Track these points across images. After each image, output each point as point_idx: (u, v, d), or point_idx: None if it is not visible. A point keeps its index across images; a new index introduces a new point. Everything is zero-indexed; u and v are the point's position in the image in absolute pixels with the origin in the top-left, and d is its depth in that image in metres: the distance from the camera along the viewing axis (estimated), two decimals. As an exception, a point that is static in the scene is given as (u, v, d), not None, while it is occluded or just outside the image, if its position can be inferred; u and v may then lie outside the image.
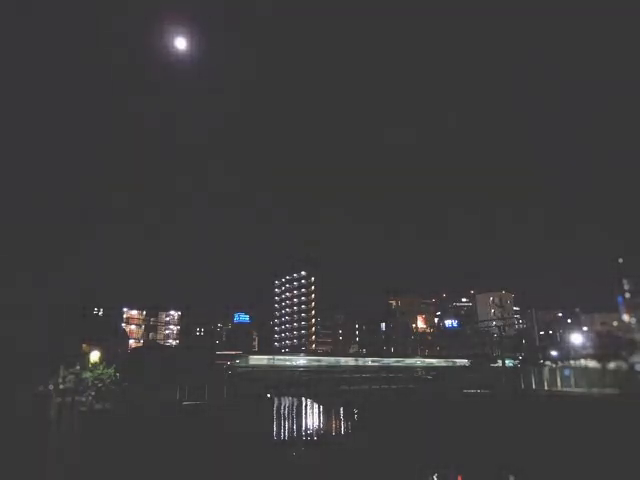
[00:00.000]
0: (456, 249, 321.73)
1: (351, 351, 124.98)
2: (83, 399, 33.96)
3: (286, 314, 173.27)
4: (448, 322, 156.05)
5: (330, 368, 61.18)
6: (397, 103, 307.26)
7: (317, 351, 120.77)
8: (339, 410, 65.50)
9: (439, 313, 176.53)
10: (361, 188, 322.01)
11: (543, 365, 51.37)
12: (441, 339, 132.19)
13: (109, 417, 32.89)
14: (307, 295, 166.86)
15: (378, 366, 64.02)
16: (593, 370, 41.36)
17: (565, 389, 41.36)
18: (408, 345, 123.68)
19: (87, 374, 35.38)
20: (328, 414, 63.46)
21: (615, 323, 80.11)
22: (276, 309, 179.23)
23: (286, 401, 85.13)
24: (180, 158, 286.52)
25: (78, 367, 35.60)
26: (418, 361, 69.48)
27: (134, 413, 33.80)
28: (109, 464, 25.61)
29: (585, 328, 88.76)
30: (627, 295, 68.93)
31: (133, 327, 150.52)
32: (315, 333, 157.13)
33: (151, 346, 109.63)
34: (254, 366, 53.95)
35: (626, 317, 69.64)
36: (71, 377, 34.67)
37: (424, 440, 36.53)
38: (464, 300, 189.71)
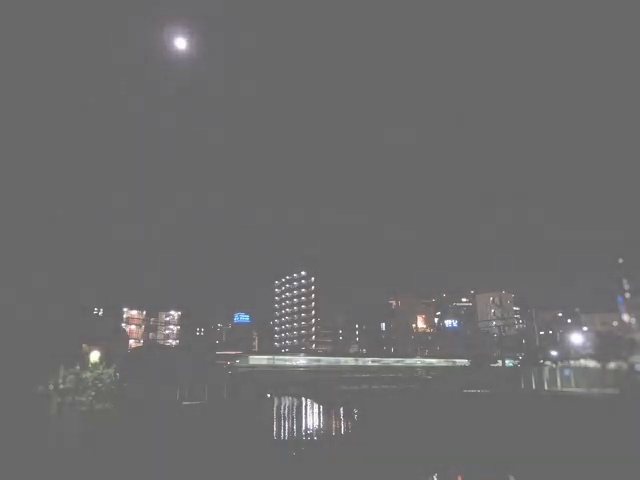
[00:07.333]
0: (456, 249, 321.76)
1: (351, 351, 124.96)
2: (83, 399, 33.99)
3: (286, 314, 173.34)
4: (448, 322, 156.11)
5: (330, 368, 61.24)
6: (397, 103, 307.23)
7: (317, 351, 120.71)
8: (339, 410, 65.47)
9: (439, 313, 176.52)
10: (361, 188, 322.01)
11: (543, 365, 51.42)
12: (441, 339, 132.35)
13: (109, 417, 32.90)
14: (307, 295, 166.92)
15: (378, 366, 64.10)
16: (593, 370, 41.44)
17: (565, 389, 41.42)
18: (408, 345, 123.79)
19: (87, 374, 35.42)
20: (328, 414, 63.42)
21: (615, 323, 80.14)
22: (276, 309, 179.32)
23: (286, 401, 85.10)
24: (180, 158, 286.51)
25: (78, 367, 35.65)
26: (418, 361, 69.58)
27: (134, 413, 33.83)
28: (109, 464, 25.61)
29: (585, 328, 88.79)
30: (627, 295, 68.91)
31: (133, 327, 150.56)
32: (315, 333, 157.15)
33: (151, 346, 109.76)
34: (254, 366, 54.02)
35: (626, 317, 69.66)
36: (71, 377, 34.74)
37: (424, 440, 36.53)
38: (464, 300, 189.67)
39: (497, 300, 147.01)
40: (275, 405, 72.77)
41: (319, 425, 53.78)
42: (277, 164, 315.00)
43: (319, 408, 70.47)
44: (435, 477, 26.88)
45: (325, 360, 65.10)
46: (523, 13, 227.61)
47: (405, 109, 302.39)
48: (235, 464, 27.84)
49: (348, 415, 60.41)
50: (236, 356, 55.26)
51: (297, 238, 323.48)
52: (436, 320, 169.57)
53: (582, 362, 46.46)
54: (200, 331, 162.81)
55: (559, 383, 43.13)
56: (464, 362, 68.03)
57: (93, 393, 34.62)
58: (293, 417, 61.43)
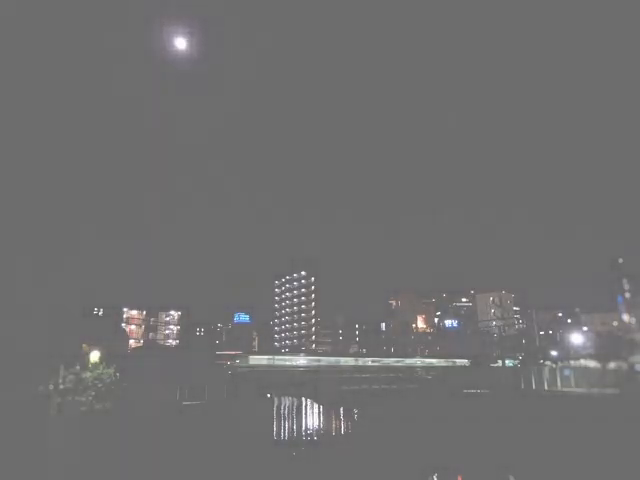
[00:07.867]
0: (456, 249, 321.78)
1: (351, 351, 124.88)
2: (83, 399, 33.96)
3: (286, 314, 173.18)
4: (448, 322, 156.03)
5: (330, 368, 61.18)
6: (396, 103, 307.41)
7: (317, 351, 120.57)
8: (339, 410, 65.44)
9: (439, 313, 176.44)
10: (361, 188, 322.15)
11: (543, 365, 51.43)
12: (441, 339, 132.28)
13: (109, 417, 32.88)
14: (307, 295, 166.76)
15: (378, 366, 64.05)
16: (593, 370, 41.45)
17: (565, 389, 41.43)
18: (408, 345, 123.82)
19: (87, 374, 35.38)
20: (328, 414, 63.39)
21: (615, 323, 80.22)
22: (276, 309, 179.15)
23: (286, 401, 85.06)
24: (180, 158, 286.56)
25: (78, 367, 35.60)
26: (418, 361, 69.51)
27: (134, 413, 33.79)
28: (109, 464, 25.61)
29: (585, 328, 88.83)
30: (627, 295, 69.03)
31: (133, 327, 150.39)
32: (315, 333, 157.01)
33: (151, 346, 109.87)
34: (254, 366, 53.99)
35: (626, 317, 69.75)
36: (71, 377, 34.69)
37: (424, 440, 36.52)
38: (464, 300, 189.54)
39: (497, 300, 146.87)
40: (275, 405, 72.73)
41: (319, 425, 53.75)
42: (278, 163, 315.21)
43: (319, 408, 70.44)
44: (435, 477, 26.89)
45: (325, 360, 65.02)
46: (523, 13, 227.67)
47: (405, 108, 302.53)
48: (235, 464, 27.85)
49: (348, 415, 60.37)
50: (236, 356, 55.18)
51: (297, 238, 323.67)
52: (436, 320, 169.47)
53: (582, 362, 46.46)
54: (200, 331, 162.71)
55: (559, 383, 43.16)
56: (464, 362, 67.99)
57: (93, 393, 34.58)
58: (293, 417, 61.41)
